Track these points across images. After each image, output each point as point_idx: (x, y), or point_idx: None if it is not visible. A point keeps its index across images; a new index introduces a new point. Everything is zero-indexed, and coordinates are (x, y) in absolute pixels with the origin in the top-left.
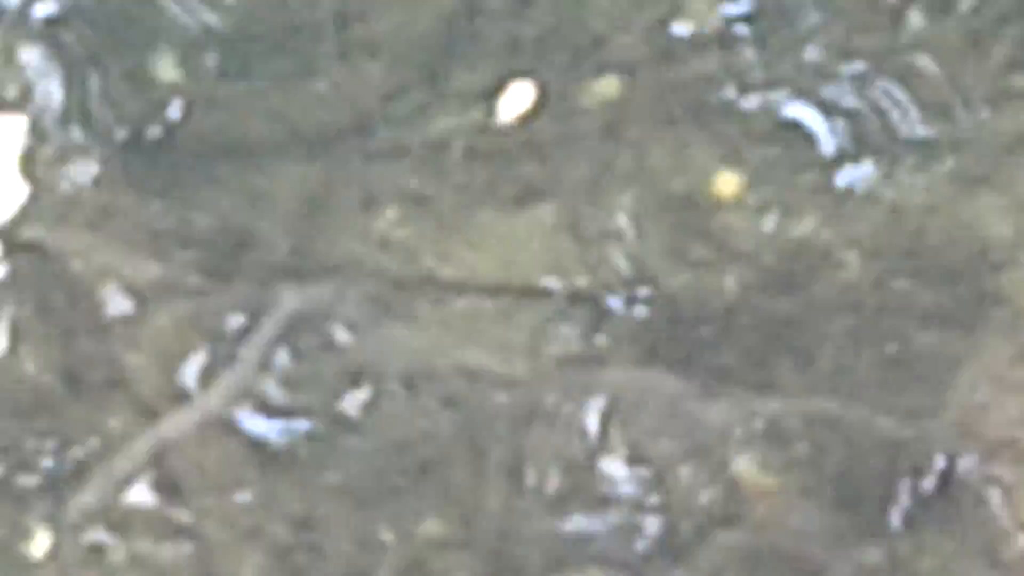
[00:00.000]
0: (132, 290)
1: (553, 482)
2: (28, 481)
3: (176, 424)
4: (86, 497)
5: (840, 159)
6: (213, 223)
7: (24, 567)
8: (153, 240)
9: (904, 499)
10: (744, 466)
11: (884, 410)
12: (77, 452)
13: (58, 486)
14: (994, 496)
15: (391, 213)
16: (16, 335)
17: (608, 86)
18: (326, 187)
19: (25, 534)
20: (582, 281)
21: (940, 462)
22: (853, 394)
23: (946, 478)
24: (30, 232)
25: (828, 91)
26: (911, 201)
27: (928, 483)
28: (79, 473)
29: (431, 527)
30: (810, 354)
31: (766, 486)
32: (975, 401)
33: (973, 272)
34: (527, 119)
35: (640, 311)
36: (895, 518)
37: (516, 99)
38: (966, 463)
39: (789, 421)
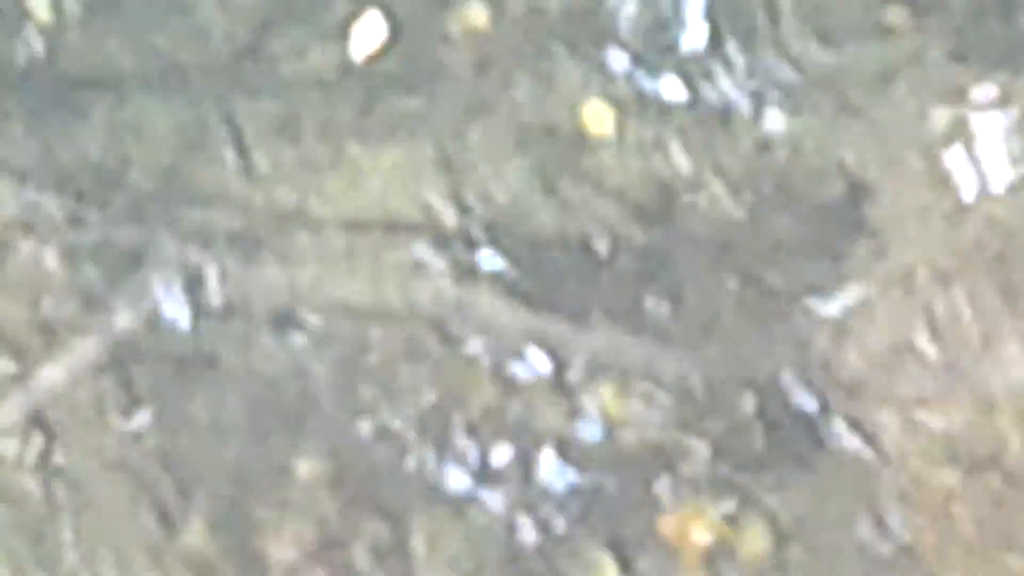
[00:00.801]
0: None
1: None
2: None
3: (48, 363)
4: None
5: (709, 94)
6: (79, 158)
7: None
8: (16, 174)
9: (766, 435)
10: (607, 397)
11: (749, 342)
12: None
13: None
14: (858, 431)
15: (261, 148)
16: None
17: (476, 16)
18: (196, 122)
19: None
20: (452, 217)
21: (805, 396)
22: (719, 326)
23: (811, 412)
24: None
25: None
26: (779, 136)
27: (792, 418)
28: None
29: (303, 465)
30: (679, 287)
31: (626, 416)
32: (841, 334)
33: (840, 205)
34: (392, 52)
35: (510, 246)
36: (758, 455)
37: (373, 33)
38: (831, 396)
39: (655, 354)
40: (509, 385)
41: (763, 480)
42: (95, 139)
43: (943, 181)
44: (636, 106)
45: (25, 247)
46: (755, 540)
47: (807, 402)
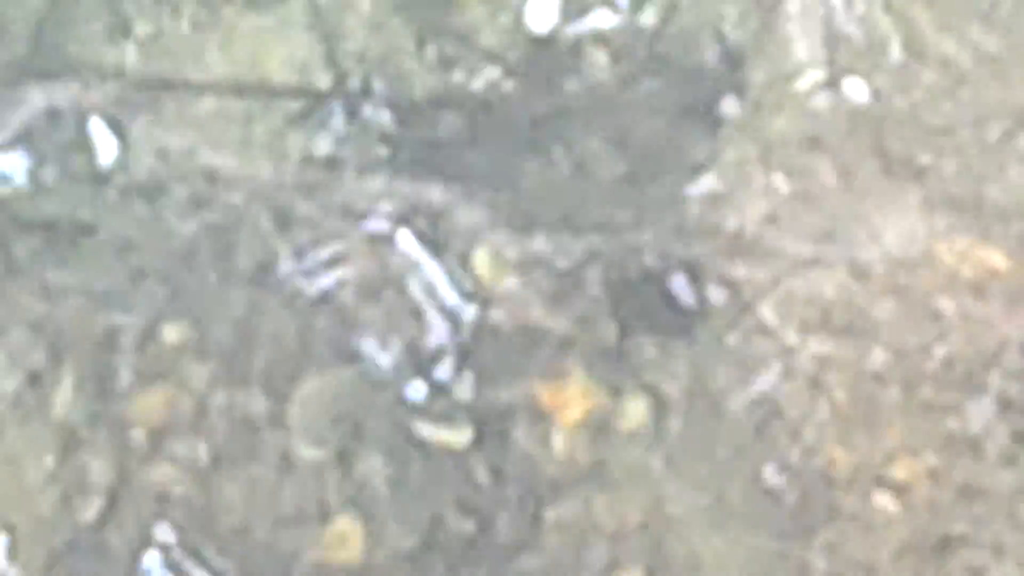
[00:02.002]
0: None
1: (298, 284)
2: None
3: None
4: None
5: None
6: None
7: None
8: None
9: (642, 299)
10: (483, 260)
11: (626, 207)
12: None
13: None
14: (734, 294)
15: (136, 11)
16: None
17: None
18: None
19: None
20: (326, 81)
21: (680, 261)
22: (596, 192)
23: (687, 277)
24: None
25: None
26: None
27: (670, 282)
28: None
29: (172, 331)
30: (555, 153)
31: (504, 280)
32: (716, 197)
33: (714, 69)
34: None
35: (386, 112)
36: (635, 316)
37: None
38: (706, 261)
39: (531, 219)
40: (385, 252)
41: (642, 350)
42: None
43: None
44: None
45: None
46: (634, 412)
47: (684, 269)
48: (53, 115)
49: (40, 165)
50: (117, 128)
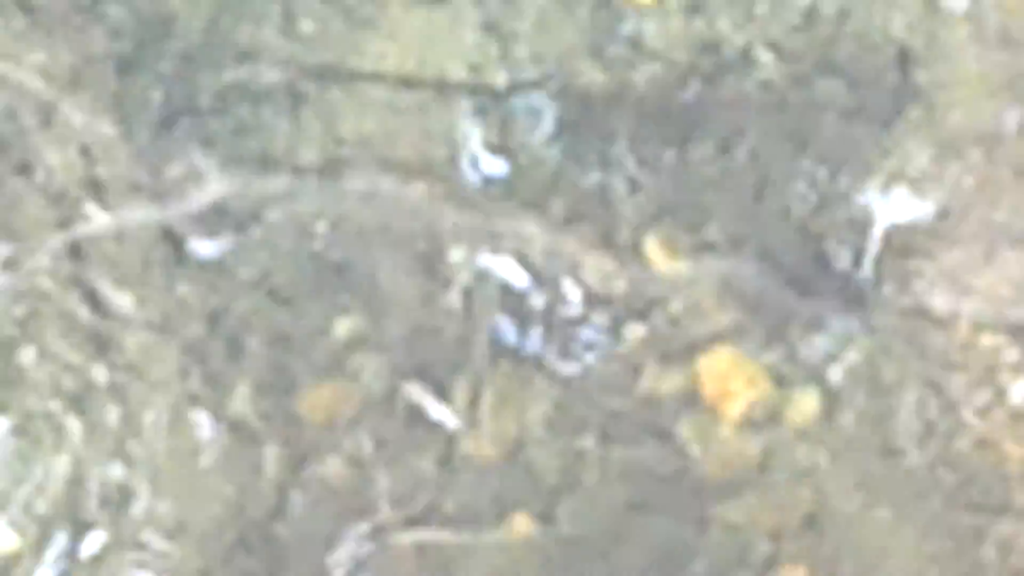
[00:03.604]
0: (46, 77)
1: (464, 276)
2: None
3: (93, 219)
4: None
5: None
6: (126, 11)
7: None
8: (65, 28)
9: (813, 297)
10: (653, 247)
11: (800, 200)
12: None
13: None
14: (908, 294)
15: (305, 3)
16: None
17: None
18: None
19: None
20: (497, 77)
21: (851, 251)
22: (770, 185)
23: (857, 264)
24: None
25: None
26: (825, 5)
27: (840, 269)
28: None
29: (346, 324)
30: (727, 144)
31: (675, 267)
32: (892, 197)
33: (889, 72)
34: None
35: (554, 106)
36: (810, 306)
37: None
38: (881, 259)
39: (707, 204)
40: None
41: (812, 342)
42: None
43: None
44: None
45: (77, 99)
46: (803, 403)
47: (857, 264)
48: (223, 104)
49: (210, 152)
50: (287, 115)
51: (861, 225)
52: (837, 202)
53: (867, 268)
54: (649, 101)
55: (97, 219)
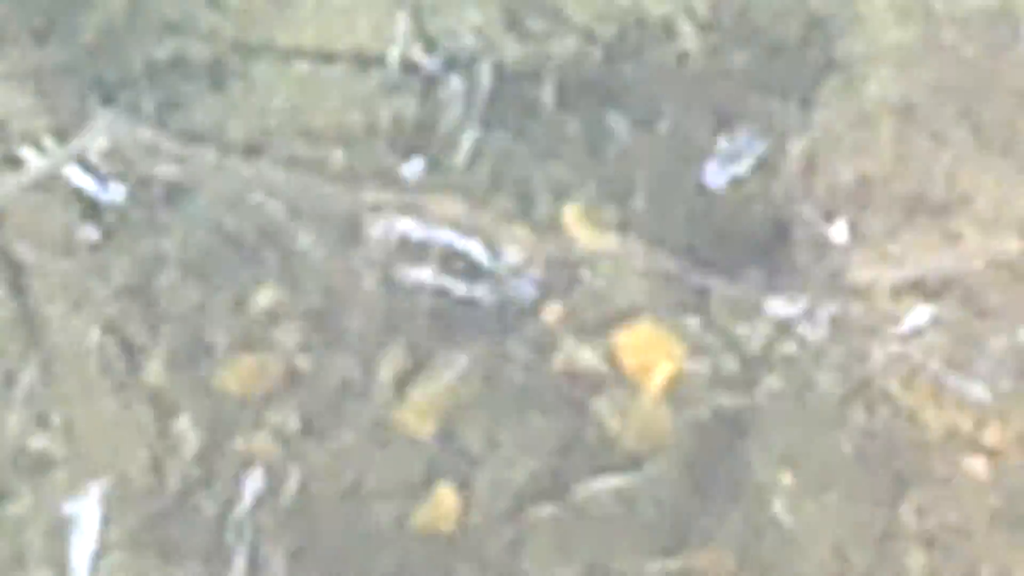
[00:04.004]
0: None
1: (387, 245)
2: None
3: (8, 186)
4: None
5: None
6: None
7: None
8: None
9: (746, 252)
10: (574, 219)
11: (719, 172)
12: None
13: None
14: (830, 255)
15: None
16: None
17: None
18: None
19: None
20: (417, 51)
21: (777, 219)
22: (688, 156)
23: (783, 234)
24: None
25: None
26: None
27: (766, 236)
28: None
29: (264, 295)
30: (646, 118)
31: (599, 240)
32: (810, 166)
33: (806, 43)
34: None
35: (474, 80)
36: (738, 270)
37: None
38: (804, 219)
39: (622, 181)
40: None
41: (733, 316)
42: None
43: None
44: None
45: None
46: (721, 376)
47: (778, 231)
48: (146, 77)
49: (132, 128)
50: (211, 90)
51: (782, 198)
52: (756, 174)
53: (789, 239)
54: (569, 74)
55: (9, 185)
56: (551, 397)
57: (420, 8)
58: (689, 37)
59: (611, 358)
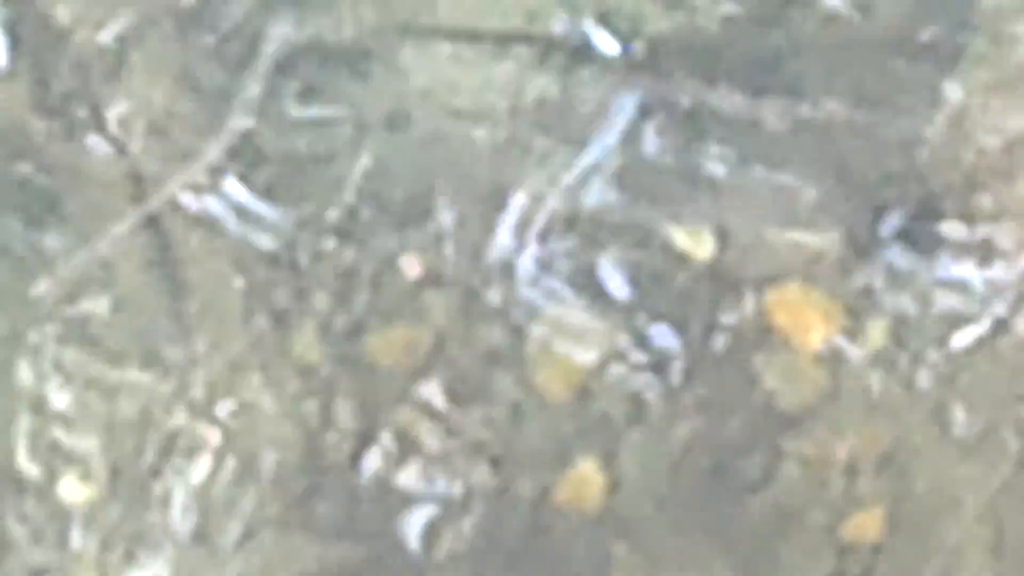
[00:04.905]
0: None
1: (531, 213)
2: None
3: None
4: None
5: None
6: None
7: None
8: None
9: (887, 226)
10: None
11: (866, 140)
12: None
13: (34, 223)
14: (976, 223)
15: None
16: None
17: None
18: None
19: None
20: (561, 27)
21: (919, 191)
22: (836, 127)
23: (926, 206)
24: None
25: None
26: None
27: (908, 211)
28: (53, 207)
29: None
30: (795, 88)
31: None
32: (955, 132)
33: (950, 4)
34: None
35: (623, 55)
36: (880, 241)
37: None
38: (946, 192)
39: (776, 157)
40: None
41: (880, 277)
42: None
43: None
44: None
45: (141, 51)
46: (874, 339)
47: (920, 204)
48: (288, 62)
49: (280, 109)
50: (353, 72)
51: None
52: (902, 151)
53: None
54: (720, 46)
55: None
56: None
57: None
58: None
59: (766, 317)
